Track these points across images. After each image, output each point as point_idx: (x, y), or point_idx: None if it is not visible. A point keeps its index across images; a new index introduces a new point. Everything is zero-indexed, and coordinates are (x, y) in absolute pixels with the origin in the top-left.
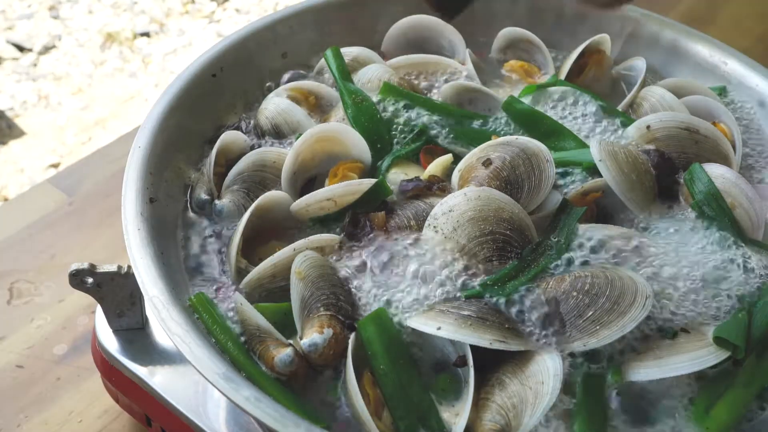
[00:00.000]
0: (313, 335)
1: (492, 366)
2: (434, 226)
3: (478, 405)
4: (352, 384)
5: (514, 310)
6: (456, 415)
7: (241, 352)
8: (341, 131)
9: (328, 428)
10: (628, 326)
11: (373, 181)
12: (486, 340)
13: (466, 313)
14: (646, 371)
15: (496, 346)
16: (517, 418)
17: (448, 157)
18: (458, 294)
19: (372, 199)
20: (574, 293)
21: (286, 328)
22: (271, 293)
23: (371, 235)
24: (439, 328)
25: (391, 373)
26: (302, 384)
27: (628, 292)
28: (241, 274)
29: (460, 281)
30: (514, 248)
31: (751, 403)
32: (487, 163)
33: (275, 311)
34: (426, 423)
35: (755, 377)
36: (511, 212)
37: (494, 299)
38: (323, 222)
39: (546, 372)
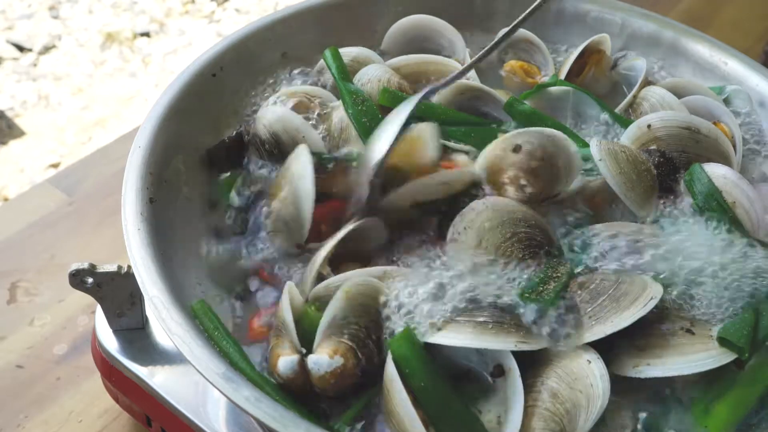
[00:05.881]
0: (322, 356)
1: (523, 371)
2: (458, 243)
3: (526, 413)
4: (406, 408)
5: (521, 310)
6: (498, 425)
7: (242, 358)
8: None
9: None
10: (624, 323)
11: (473, 170)
12: (511, 343)
13: (481, 319)
14: (647, 369)
15: (521, 347)
16: (572, 423)
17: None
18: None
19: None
20: (579, 291)
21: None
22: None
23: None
24: (463, 340)
25: (433, 390)
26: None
27: (633, 292)
28: (320, 279)
29: (494, 294)
30: (539, 242)
31: (753, 403)
32: (517, 149)
33: (317, 321)
34: None
35: (760, 377)
36: (522, 212)
37: (527, 306)
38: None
39: (593, 374)
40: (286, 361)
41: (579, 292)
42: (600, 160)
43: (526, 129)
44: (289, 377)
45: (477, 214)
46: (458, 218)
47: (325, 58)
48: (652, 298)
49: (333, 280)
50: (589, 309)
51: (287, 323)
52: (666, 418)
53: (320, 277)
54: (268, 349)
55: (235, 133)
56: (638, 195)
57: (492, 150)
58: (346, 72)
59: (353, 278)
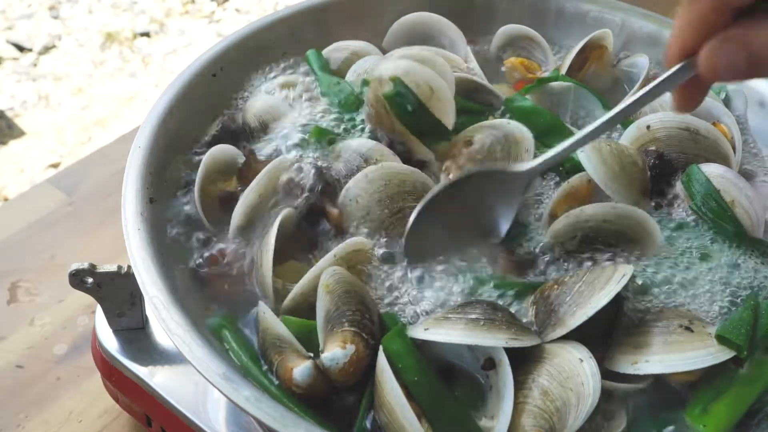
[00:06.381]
0: (335, 350)
1: (514, 368)
2: (351, 214)
3: (516, 410)
4: (397, 398)
5: (510, 309)
6: (492, 420)
7: (271, 383)
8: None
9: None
10: (602, 302)
11: None
12: (501, 339)
13: (473, 316)
14: (645, 366)
15: (512, 344)
16: (561, 421)
17: None
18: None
19: None
20: (556, 286)
21: (308, 346)
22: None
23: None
24: (455, 336)
25: (427, 384)
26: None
27: (605, 274)
28: (278, 293)
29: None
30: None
31: (752, 403)
32: (467, 144)
33: (300, 327)
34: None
35: (758, 376)
36: (413, 182)
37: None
38: None
39: (584, 372)
40: (301, 369)
41: (555, 287)
42: (581, 151)
43: (497, 123)
44: (308, 384)
45: (369, 183)
46: (351, 184)
47: (308, 57)
48: (624, 275)
49: (296, 291)
50: (568, 298)
51: (284, 335)
52: (663, 418)
53: (276, 290)
54: (273, 372)
55: (220, 126)
56: (621, 186)
57: (459, 137)
58: (326, 66)
59: (321, 272)
